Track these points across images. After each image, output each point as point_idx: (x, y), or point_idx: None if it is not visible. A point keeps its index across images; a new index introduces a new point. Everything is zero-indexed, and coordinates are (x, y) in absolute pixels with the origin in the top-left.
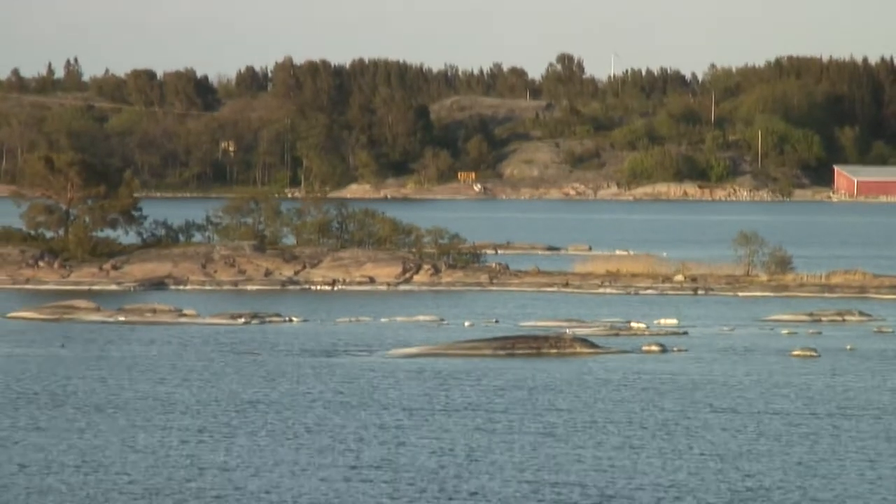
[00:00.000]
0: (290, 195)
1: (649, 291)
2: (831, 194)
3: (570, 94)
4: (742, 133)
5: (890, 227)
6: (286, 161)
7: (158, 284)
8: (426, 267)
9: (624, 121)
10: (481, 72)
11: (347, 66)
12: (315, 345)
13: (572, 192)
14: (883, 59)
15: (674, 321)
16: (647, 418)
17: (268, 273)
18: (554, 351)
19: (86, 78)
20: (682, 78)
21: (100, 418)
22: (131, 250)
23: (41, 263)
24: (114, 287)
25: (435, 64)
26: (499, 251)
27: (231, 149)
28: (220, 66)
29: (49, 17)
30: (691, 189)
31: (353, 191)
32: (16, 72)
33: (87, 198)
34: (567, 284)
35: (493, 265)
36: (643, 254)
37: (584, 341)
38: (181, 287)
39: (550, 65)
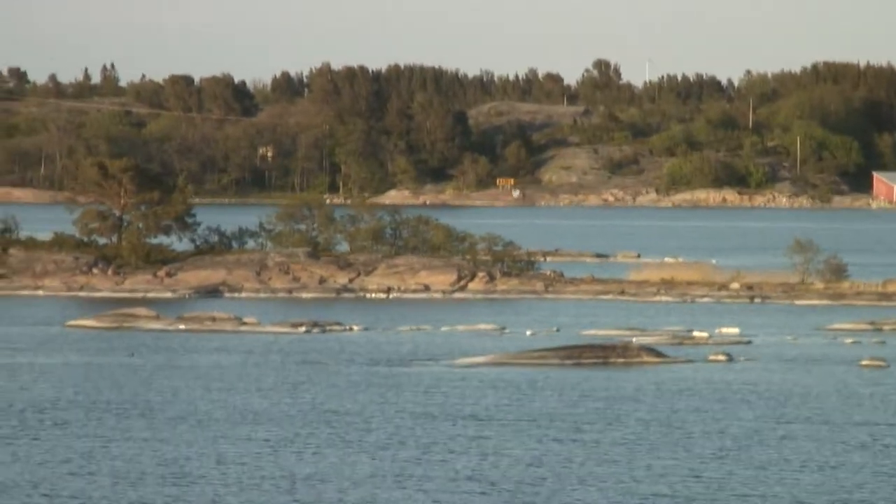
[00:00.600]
0: (328, 201)
1: (705, 299)
2: (871, 201)
3: (607, 100)
4: (780, 139)
5: None
6: (324, 167)
7: (213, 292)
8: (481, 274)
9: (661, 127)
10: (517, 77)
11: (383, 71)
12: (381, 354)
13: (611, 199)
14: None
15: (735, 330)
16: (730, 428)
17: (322, 280)
18: (621, 360)
19: (122, 83)
20: (718, 84)
21: (182, 429)
22: (185, 257)
23: (95, 270)
24: (169, 294)
25: (470, 69)
26: (547, 258)
27: (269, 154)
28: (254, 72)
29: (85, 23)
30: (730, 195)
31: (392, 197)
32: (53, 77)
33: (140, 204)
34: (623, 292)
35: (548, 273)
36: (695, 261)
37: (650, 350)
38: (236, 295)
39: (587, 70)
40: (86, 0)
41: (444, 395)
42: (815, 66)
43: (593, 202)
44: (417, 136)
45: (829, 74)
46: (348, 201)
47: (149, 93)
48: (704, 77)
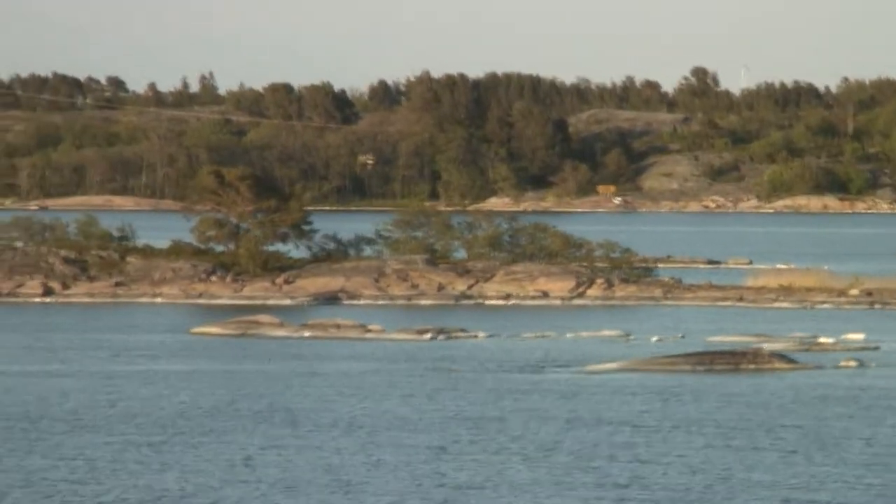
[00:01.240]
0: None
1: (825, 305)
2: None
3: (706, 107)
4: (881, 145)
5: None
6: (425, 174)
7: (332, 299)
8: (599, 281)
9: (760, 134)
10: (613, 84)
11: (477, 78)
12: (510, 360)
13: (712, 205)
14: None
15: (861, 336)
16: (879, 435)
17: (441, 287)
18: (752, 366)
19: (221, 91)
20: (816, 91)
21: (332, 436)
22: (302, 264)
23: (213, 278)
24: (287, 302)
25: (567, 77)
26: (659, 265)
27: (370, 162)
28: (350, 80)
29: (183, 32)
30: (832, 202)
31: (493, 204)
32: (153, 86)
33: (257, 211)
34: (741, 299)
35: (666, 279)
36: (809, 268)
37: (781, 357)
38: (354, 302)
39: (685, 78)
40: (183, 9)
41: (585, 402)
42: None
43: (694, 209)
44: (518, 144)
45: None
46: (449, 209)
47: (248, 101)
48: (802, 84)
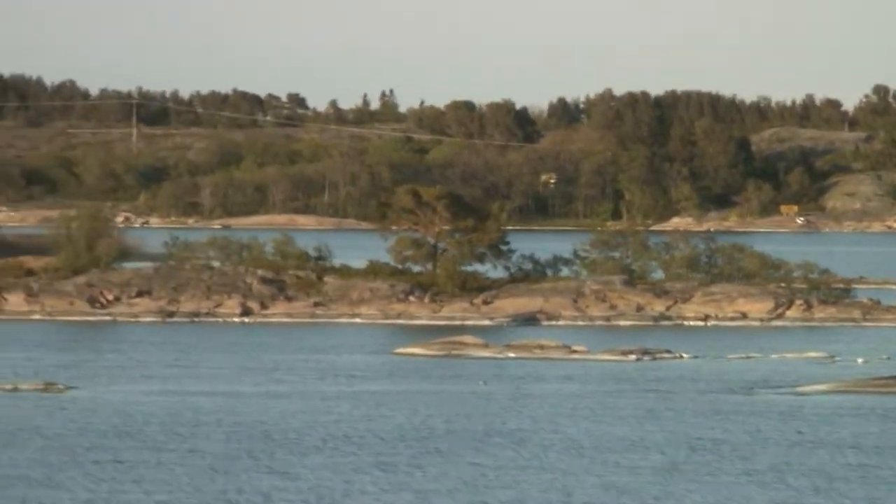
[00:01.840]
0: (611, 228)
1: None
2: None
3: (888, 126)
4: None
5: None
6: (607, 193)
7: (531, 319)
8: (798, 302)
9: None
10: (793, 103)
11: (659, 96)
12: (719, 381)
13: (895, 226)
14: None
15: None
16: None
17: (639, 308)
18: None
19: (402, 109)
20: None
21: (555, 457)
22: (500, 284)
23: (411, 298)
24: (486, 322)
25: (747, 95)
26: (852, 286)
27: (552, 181)
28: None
29: (364, 50)
30: None
31: (675, 224)
32: (334, 104)
33: (454, 231)
34: None
35: (865, 300)
36: None
37: None
38: (553, 322)
39: (865, 96)
40: (363, 27)
41: (804, 423)
42: None
43: (877, 229)
44: (700, 163)
45: None
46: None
47: (430, 119)
48: None
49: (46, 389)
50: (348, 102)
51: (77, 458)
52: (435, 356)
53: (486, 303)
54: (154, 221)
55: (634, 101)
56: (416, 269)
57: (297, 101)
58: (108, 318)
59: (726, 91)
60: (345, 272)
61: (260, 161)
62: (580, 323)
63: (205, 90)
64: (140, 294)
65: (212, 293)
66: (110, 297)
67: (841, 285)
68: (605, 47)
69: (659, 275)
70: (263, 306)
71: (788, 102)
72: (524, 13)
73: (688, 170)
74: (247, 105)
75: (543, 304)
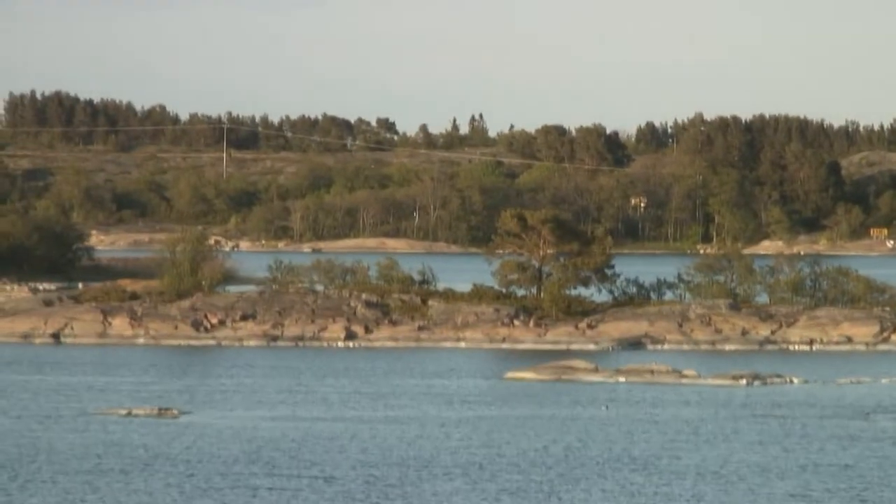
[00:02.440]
0: (701, 251)
1: None
2: None
3: None
4: None
5: None
6: (697, 217)
7: (636, 344)
8: None
9: None
10: (881, 127)
11: (749, 120)
12: (834, 406)
13: None
14: None
15: None
16: None
17: (744, 332)
18: None
19: (491, 133)
20: None
21: (689, 483)
22: (604, 308)
23: (516, 322)
24: (592, 346)
25: (835, 119)
26: None
27: (642, 204)
28: (616, 121)
29: (453, 75)
30: None
31: (766, 247)
32: (424, 128)
33: (559, 255)
34: None
35: None
36: None
37: None
38: (658, 346)
39: None
40: (450, 52)
41: None
42: None
43: None
44: (791, 187)
45: None
46: (721, 252)
47: (521, 143)
48: None
49: (161, 415)
50: (437, 127)
51: (212, 485)
52: (546, 380)
53: (590, 327)
54: (244, 245)
55: (725, 125)
56: (521, 292)
57: (387, 125)
58: (212, 341)
59: (814, 115)
60: (449, 296)
61: (350, 185)
62: (685, 347)
63: (294, 115)
64: (244, 318)
65: (316, 317)
66: (214, 321)
67: None
68: (691, 72)
69: (763, 298)
70: (368, 330)
71: (876, 126)
72: (612, 37)
73: (778, 193)
74: (336, 129)
75: (648, 328)
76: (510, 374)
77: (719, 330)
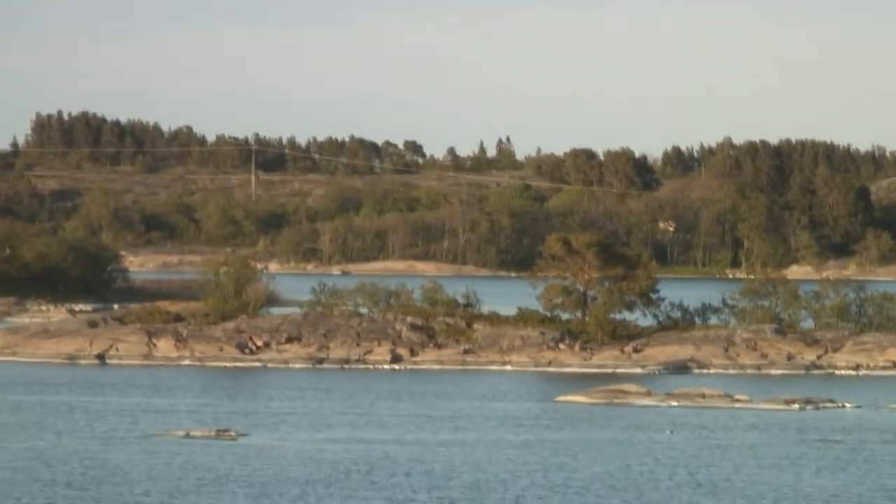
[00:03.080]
0: (730, 276)
1: None
2: None
3: None
4: None
5: None
6: (726, 242)
7: (682, 368)
8: None
9: None
10: None
11: (775, 144)
12: (893, 430)
13: None
14: None
15: None
16: None
17: (790, 357)
18: None
19: (519, 156)
20: None
21: None
22: (649, 332)
23: (562, 346)
24: (638, 370)
25: (861, 144)
26: None
27: (671, 229)
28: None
29: (478, 96)
30: None
31: (794, 272)
32: (451, 151)
33: (604, 279)
34: None
35: None
36: None
37: None
38: (704, 371)
39: None
40: (478, 74)
41: None
42: None
43: None
44: (820, 212)
45: None
46: (750, 276)
47: (549, 166)
48: None
49: (219, 436)
50: (464, 149)
51: None
52: (597, 404)
53: (636, 351)
54: (273, 267)
55: (754, 149)
56: (565, 316)
57: (414, 147)
58: (257, 363)
59: (840, 140)
60: (494, 319)
61: (379, 207)
62: (731, 371)
63: (321, 136)
64: (289, 340)
65: (361, 340)
66: (259, 343)
67: None
68: (717, 96)
69: (808, 324)
70: (413, 353)
71: None
72: (636, 61)
73: (807, 218)
74: (364, 151)
75: (694, 352)
76: (561, 398)
77: (765, 354)
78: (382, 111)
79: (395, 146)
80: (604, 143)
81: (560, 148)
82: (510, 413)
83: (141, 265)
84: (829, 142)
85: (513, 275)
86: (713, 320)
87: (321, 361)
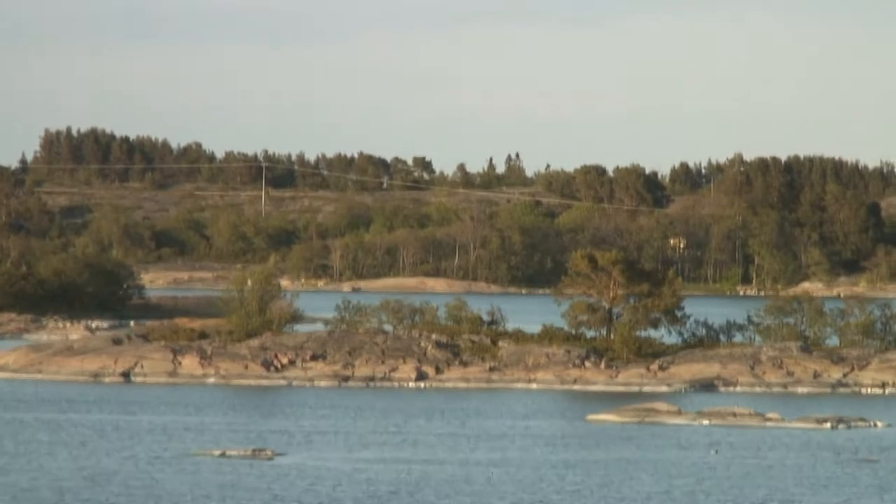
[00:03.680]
0: (741, 293)
1: None
2: None
3: None
4: None
5: None
6: (737, 258)
7: (708, 386)
8: None
9: None
10: None
11: (784, 161)
12: None
13: None
14: None
15: None
16: None
17: (816, 375)
18: None
19: (528, 173)
20: None
21: None
22: (675, 350)
23: (587, 363)
24: (664, 388)
25: (870, 160)
26: None
27: (681, 245)
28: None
29: (487, 113)
30: None
31: (805, 289)
32: (461, 167)
33: (629, 296)
34: None
35: None
36: None
37: None
38: (730, 389)
39: None
40: (486, 90)
41: None
42: None
43: None
44: (830, 228)
45: None
46: (761, 293)
47: (560, 183)
48: None
49: (255, 455)
50: (473, 165)
51: None
52: (628, 423)
53: (662, 368)
54: (284, 284)
55: (765, 166)
56: (590, 333)
57: (423, 164)
58: (283, 381)
59: (848, 156)
60: (519, 337)
61: (389, 224)
62: (758, 389)
63: (330, 153)
64: (314, 358)
65: (386, 357)
66: (284, 361)
67: None
68: (724, 113)
69: (833, 341)
70: (439, 371)
71: None
72: (641, 76)
73: (818, 235)
74: (373, 168)
75: (720, 370)
76: (591, 416)
77: (791, 372)
78: (390, 128)
79: (404, 162)
80: (609, 159)
81: (568, 164)
82: (543, 432)
83: (151, 282)
84: (837, 158)
85: (523, 291)
86: (738, 338)
87: (346, 379)
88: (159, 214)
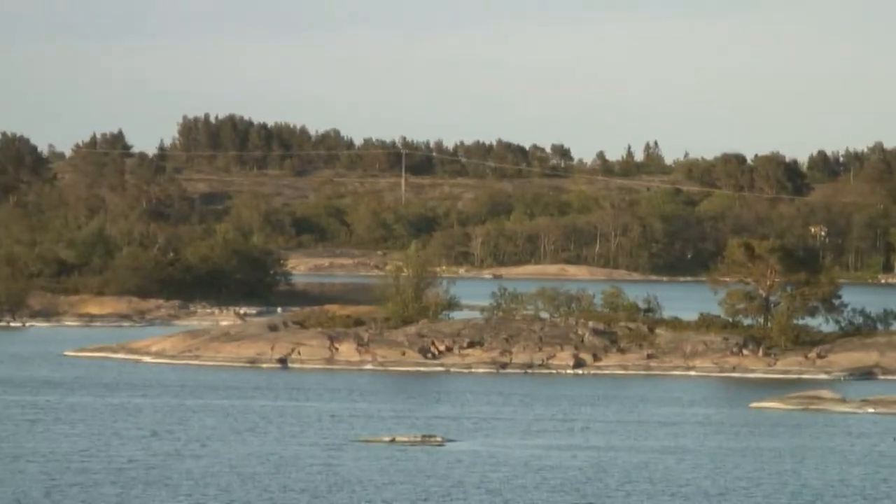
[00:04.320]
0: (882, 281)
1: None
2: None
3: None
4: None
5: None
6: (878, 246)
7: (867, 374)
8: None
9: None
10: None
11: None
12: None
13: None
14: None
15: None
16: None
17: None
18: None
19: (667, 161)
20: None
21: None
22: (832, 339)
23: (745, 351)
24: (823, 376)
25: None
26: None
27: (822, 233)
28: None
29: (621, 101)
30: None
31: None
32: (601, 155)
33: (786, 284)
34: None
35: None
36: None
37: None
38: (891, 377)
39: None
40: (625, 78)
41: None
42: None
43: None
44: None
45: None
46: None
47: (700, 171)
48: None
49: (424, 442)
50: (612, 153)
51: None
52: (793, 410)
53: (820, 356)
54: None
55: None
56: (747, 321)
57: (562, 151)
58: (440, 368)
59: None
60: (677, 324)
61: (529, 211)
62: None
63: (468, 140)
64: (472, 345)
65: (544, 344)
66: (441, 348)
67: None
68: (859, 100)
69: None
70: (596, 358)
71: None
72: (785, 62)
73: None
74: (511, 155)
75: (879, 358)
76: (756, 404)
77: None
78: (529, 114)
79: (543, 150)
80: (748, 146)
81: (705, 152)
82: (710, 419)
83: (293, 268)
84: None
85: (665, 279)
86: (895, 326)
87: (504, 366)
88: (299, 201)
